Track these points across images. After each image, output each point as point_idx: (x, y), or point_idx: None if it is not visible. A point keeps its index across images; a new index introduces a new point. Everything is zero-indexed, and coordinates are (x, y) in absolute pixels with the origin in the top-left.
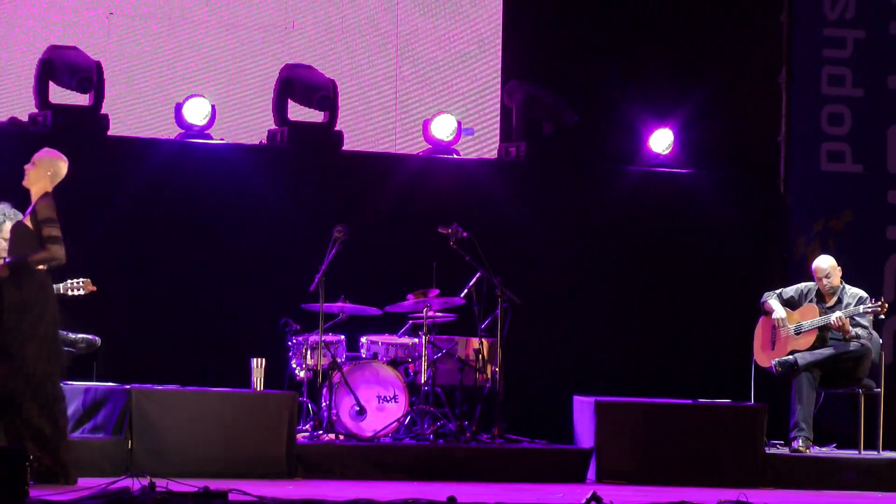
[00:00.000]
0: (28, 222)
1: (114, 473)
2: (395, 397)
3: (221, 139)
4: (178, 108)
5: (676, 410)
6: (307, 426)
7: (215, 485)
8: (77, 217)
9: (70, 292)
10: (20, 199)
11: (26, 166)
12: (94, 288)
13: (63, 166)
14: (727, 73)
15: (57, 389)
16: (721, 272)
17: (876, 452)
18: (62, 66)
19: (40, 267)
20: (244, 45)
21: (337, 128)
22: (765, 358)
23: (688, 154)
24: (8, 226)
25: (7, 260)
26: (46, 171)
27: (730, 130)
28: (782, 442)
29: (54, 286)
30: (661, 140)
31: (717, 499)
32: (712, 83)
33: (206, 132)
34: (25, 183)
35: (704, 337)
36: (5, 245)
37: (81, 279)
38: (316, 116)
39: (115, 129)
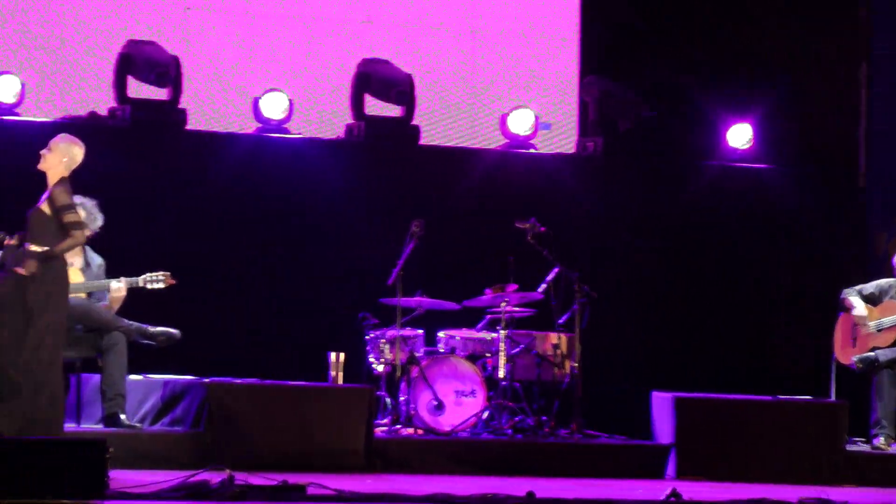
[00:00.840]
0: (45, 208)
1: (192, 466)
2: (473, 392)
3: (299, 133)
4: (256, 102)
5: (756, 407)
6: (385, 420)
7: (294, 478)
8: (155, 211)
9: (149, 286)
10: (100, 192)
11: (42, 151)
12: (174, 281)
13: (79, 152)
14: (806, 67)
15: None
16: (800, 268)
17: None
18: (141, 60)
19: (45, 248)
20: (322, 39)
21: (414, 122)
22: (845, 355)
23: (766, 149)
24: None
25: (27, 248)
26: (63, 156)
27: (808, 125)
28: (863, 439)
29: (133, 279)
30: (740, 135)
31: (797, 496)
32: (791, 77)
33: (283, 126)
34: (41, 167)
35: (784, 333)
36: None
37: (161, 273)
38: (393, 111)
39: (192, 124)
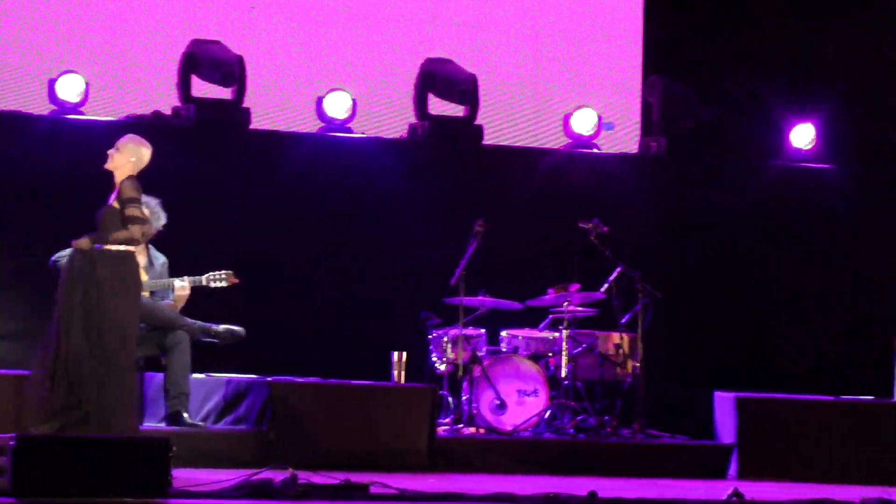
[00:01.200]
0: (115, 204)
1: (255, 465)
2: (535, 391)
3: (362, 133)
4: (320, 101)
5: (819, 407)
6: (447, 420)
7: (356, 477)
8: (219, 209)
9: (213, 284)
10: (164, 191)
11: (110, 151)
12: (237, 280)
13: (146, 153)
14: (870, 67)
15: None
16: (863, 269)
17: None
18: (205, 60)
19: (121, 248)
20: (386, 38)
21: (477, 122)
22: None
23: (830, 149)
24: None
25: (87, 236)
26: (130, 157)
27: (872, 125)
28: None
29: (196, 278)
30: (803, 135)
31: (860, 496)
32: (854, 77)
33: (346, 126)
34: (108, 166)
35: (846, 333)
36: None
37: (224, 271)
38: (456, 110)
39: (256, 123)
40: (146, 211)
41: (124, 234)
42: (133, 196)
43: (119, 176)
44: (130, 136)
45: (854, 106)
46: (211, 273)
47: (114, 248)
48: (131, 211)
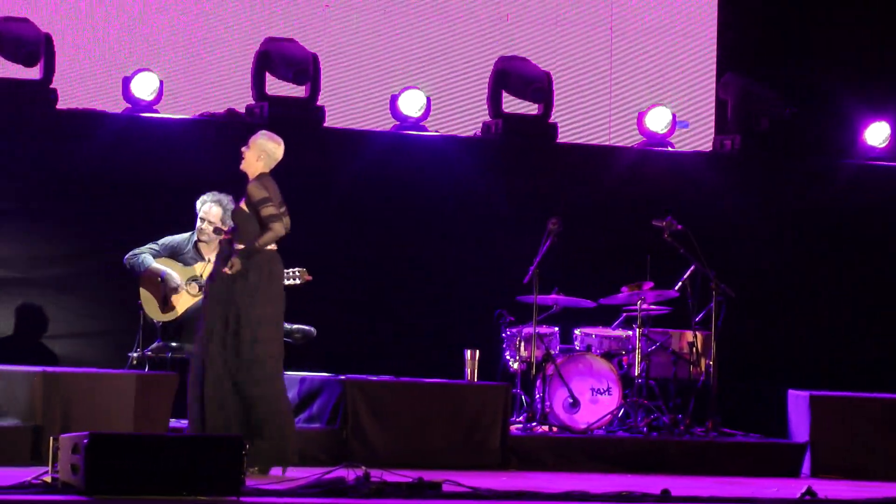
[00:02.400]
0: (244, 206)
1: (329, 463)
2: (608, 390)
3: (436, 131)
4: (394, 100)
5: (893, 405)
6: (520, 418)
7: (429, 475)
8: (293, 207)
9: (287, 282)
10: (237, 189)
11: (242, 148)
12: (310, 278)
13: (276, 149)
14: None
15: (270, 371)
16: None
17: None
18: (279, 58)
19: (269, 247)
20: (460, 36)
21: (551, 120)
22: None
23: None
24: (215, 210)
25: (234, 247)
26: (259, 153)
27: None
28: None
29: None
30: (878, 133)
31: None
32: None
33: (420, 124)
34: (242, 167)
35: None
36: (207, 227)
37: (297, 269)
38: (530, 108)
39: (330, 121)
40: (271, 209)
41: (269, 236)
42: (262, 197)
43: (251, 174)
44: (261, 132)
45: None
46: (286, 270)
47: (242, 246)
48: (267, 211)
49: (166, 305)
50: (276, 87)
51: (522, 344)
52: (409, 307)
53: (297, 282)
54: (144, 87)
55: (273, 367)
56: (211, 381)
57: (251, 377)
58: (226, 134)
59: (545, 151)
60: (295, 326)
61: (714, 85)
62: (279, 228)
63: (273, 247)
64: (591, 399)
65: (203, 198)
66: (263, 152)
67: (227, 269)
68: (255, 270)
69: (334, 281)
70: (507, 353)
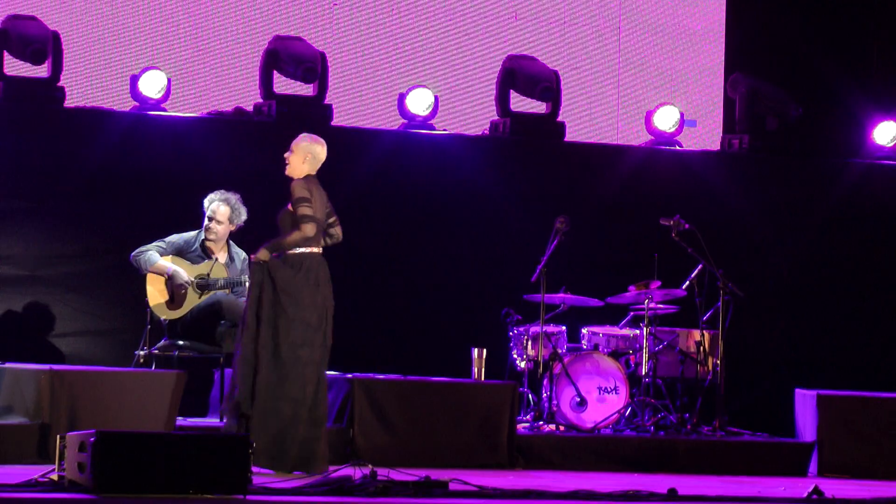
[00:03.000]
0: (290, 207)
1: (336, 461)
2: (615, 389)
3: (444, 130)
4: (402, 98)
5: None
6: (528, 417)
7: (436, 474)
8: None
9: None
10: (245, 187)
11: (286, 154)
12: None
13: (321, 150)
14: None
15: (307, 373)
16: None
17: None
18: (287, 56)
19: (299, 250)
20: (468, 35)
21: (559, 119)
22: None
23: None
24: (223, 209)
25: (266, 244)
26: (304, 156)
27: None
28: None
29: None
30: (886, 132)
31: None
32: None
33: (428, 123)
34: (287, 172)
35: None
36: (217, 228)
37: None
38: (538, 107)
39: (338, 119)
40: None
41: (297, 235)
42: (302, 196)
43: (296, 178)
44: (304, 135)
45: None
46: None
47: (292, 252)
48: (302, 210)
49: (173, 303)
50: (284, 85)
51: (529, 343)
52: (416, 306)
53: None
54: (152, 85)
55: (302, 371)
56: (247, 380)
57: (282, 378)
58: (233, 132)
59: (553, 150)
60: None
61: (722, 84)
62: (309, 231)
63: (318, 250)
64: (599, 398)
65: (211, 196)
66: (308, 154)
67: (252, 255)
68: (301, 275)
69: (342, 279)
70: (515, 351)
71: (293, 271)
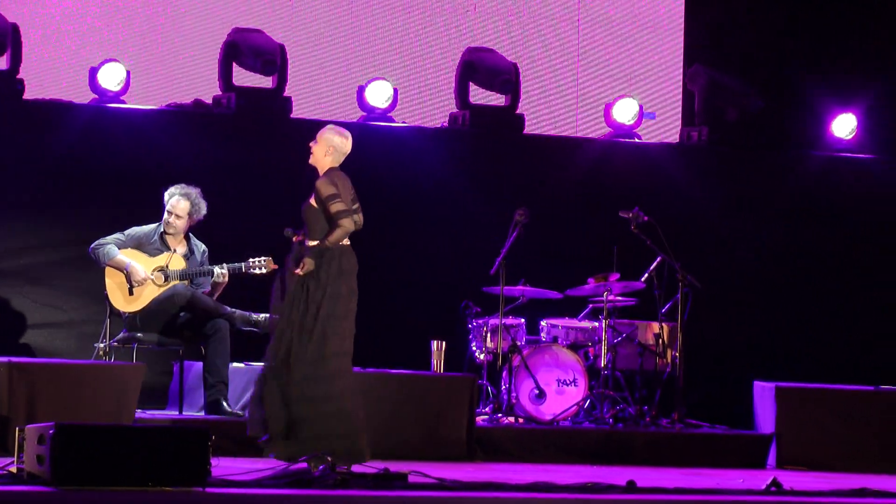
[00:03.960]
0: (313, 202)
1: None
2: (574, 381)
3: (403, 122)
4: (361, 90)
5: (858, 397)
6: (487, 409)
7: (395, 466)
8: (260, 197)
9: (253, 271)
10: (204, 180)
11: (310, 143)
12: (276, 266)
13: (345, 143)
14: None
15: (333, 369)
16: None
17: None
18: (247, 48)
19: (343, 243)
20: (426, 27)
21: (518, 111)
22: None
23: (872, 139)
24: (183, 204)
25: (305, 245)
26: (327, 148)
27: None
28: None
29: (236, 265)
30: (844, 125)
31: None
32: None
33: (387, 115)
34: (311, 161)
35: (887, 324)
36: (177, 223)
37: (263, 258)
38: (498, 100)
39: (297, 112)
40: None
41: (338, 233)
42: (331, 193)
43: (320, 169)
44: (328, 126)
45: (895, 95)
46: (251, 259)
47: (313, 244)
48: (335, 207)
49: (132, 296)
50: (244, 77)
51: (489, 335)
52: (374, 298)
53: (263, 271)
54: (111, 77)
55: (337, 365)
56: (276, 378)
57: (315, 375)
58: (193, 125)
59: (512, 142)
60: (262, 316)
61: (681, 76)
62: (348, 224)
63: (346, 242)
64: (557, 390)
65: (171, 190)
66: (331, 146)
67: (298, 271)
68: (325, 267)
69: None
70: (474, 344)
71: (324, 266)
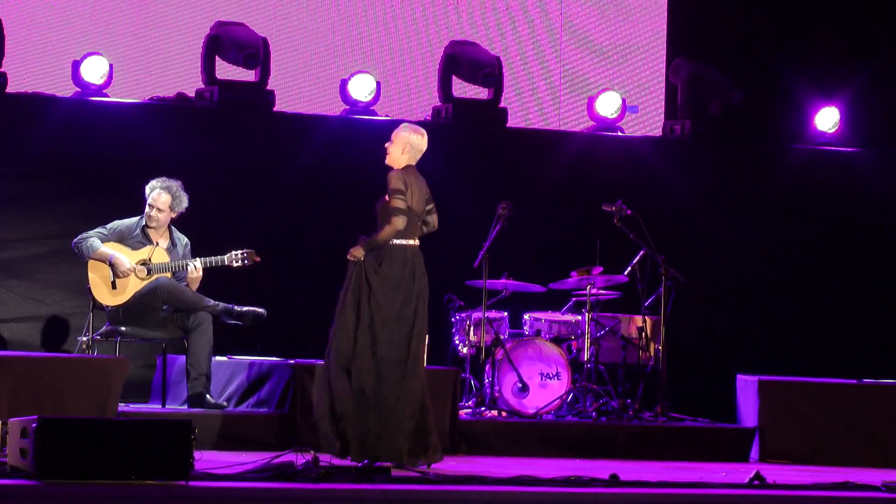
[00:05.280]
0: (388, 197)
1: (277, 448)
2: (557, 374)
3: (386, 116)
4: (344, 84)
5: (841, 390)
6: (470, 403)
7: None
8: (243, 190)
9: (234, 263)
10: (187, 173)
11: (386, 144)
12: (259, 259)
13: (421, 140)
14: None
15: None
16: (889, 252)
17: None
18: (229, 42)
19: (396, 241)
20: (409, 21)
21: (501, 105)
22: None
23: (855, 132)
24: (164, 197)
25: (362, 239)
26: (404, 146)
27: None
28: None
29: (217, 258)
30: (827, 118)
31: (881, 479)
32: (881, 60)
33: (370, 108)
34: (388, 161)
35: (870, 317)
36: (158, 216)
37: (245, 250)
38: (480, 93)
39: (280, 105)
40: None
41: (388, 230)
42: (397, 187)
43: (395, 168)
44: (404, 125)
45: (880, 88)
46: (232, 252)
47: (387, 246)
48: (395, 202)
49: (115, 289)
50: (226, 71)
51: (472, 328)
52: None
53: (246, 263)
54: (94, 71)
55: (404, 366)
56: (339, 374)
57: (382, 373)
58: (176, 118)
59: (495, 136)
60: (245, 309)
61: (664, 70)
62: (400, 223)
63: (415, 242)
64: (541, 384)
65: (152, 184)
66: (408, 144)
67: (349, 256)
68: (389, 265)
69: (284, 264)
70: (457, 337)
71: (388, 267)
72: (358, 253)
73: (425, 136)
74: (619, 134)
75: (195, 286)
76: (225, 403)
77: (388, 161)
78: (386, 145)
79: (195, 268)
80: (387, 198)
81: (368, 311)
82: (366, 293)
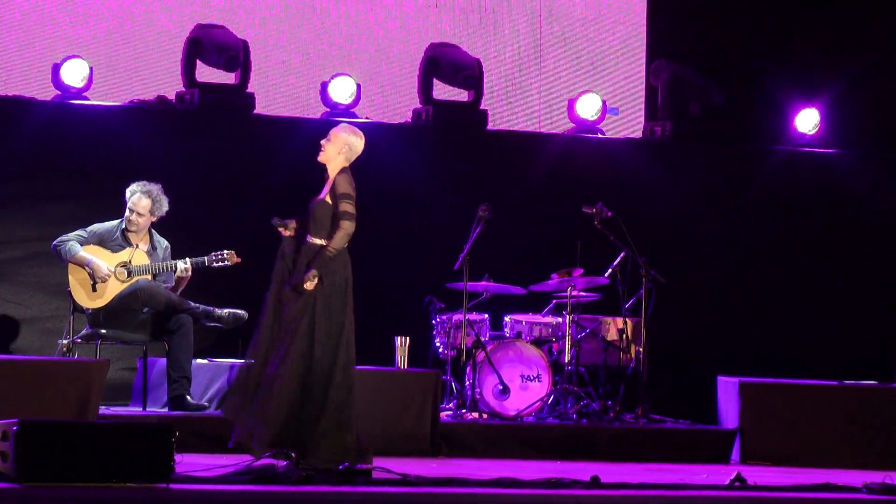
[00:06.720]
0: (328, 199)
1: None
2: (538, 376)
3: (366, 118)
4: (324, 86)
5: (822, 392)
6: (451, 405)
7: (359, 462)
8: (223, 193)
9: (215, 264)
10: (168, 176)
11: (322, 141)
12: (239, 259)
13: (359, 142)
14: (876, 52)
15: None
16: (868, 253)
17: None
18: (209, 44)
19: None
20: (390, 23)
21: (482, 107)
22: None
23: (835, 134)
24: (144, 202)
25: (308, 241)
26: (342, 147)
27: (878, 110)
28: None
29: (199, 259)
30: (807, 120)
31: (862, 481)
32: (860, 62)
33: (351, 111)
34: (321, 158)
35: (850, 318)
36: (138, 220)
37: (226, 251)
38: (461, 95)
39: (260, 108)
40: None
41: (340, 236)
42: (347, 192)
43: (332, 169)
44: (343, 125)
45: (860, 89)
46: (213, 253)
47: (319, 241)
48: (345, 207)
49: (95, 292)
50: (207, 73)
51: (452, 331)
52: None
53: (226, 264)
54: (74, 73)
55: (346, 373)
56: (287, 379)
57: (326, 380)
58: (156, 121)
59: (476, 138)
60: (226, 311)
61: (644, 71)
62: (350, 228)
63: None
64: (521, 386)
65: (132, 188)
66: (346, 145)
67: (307, 285)
68: (337, 273)
69: (265, 266)
70: (438, 339)
71: (333, 272)
72: (310, 287)
73: (363, 139)
74: (600, 136)
75: (183, 286)
76: (206, 405)
77: (321, 158)
78: (322, 142)
79: (185, 268)
80: (326, 198)
81: (312, 316)
82: (308, 298)
